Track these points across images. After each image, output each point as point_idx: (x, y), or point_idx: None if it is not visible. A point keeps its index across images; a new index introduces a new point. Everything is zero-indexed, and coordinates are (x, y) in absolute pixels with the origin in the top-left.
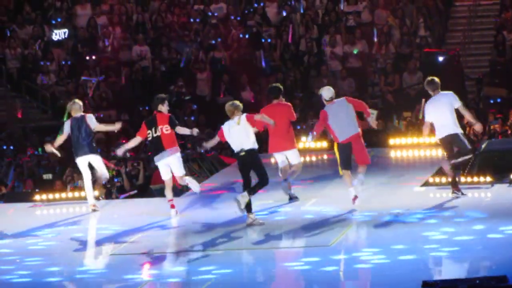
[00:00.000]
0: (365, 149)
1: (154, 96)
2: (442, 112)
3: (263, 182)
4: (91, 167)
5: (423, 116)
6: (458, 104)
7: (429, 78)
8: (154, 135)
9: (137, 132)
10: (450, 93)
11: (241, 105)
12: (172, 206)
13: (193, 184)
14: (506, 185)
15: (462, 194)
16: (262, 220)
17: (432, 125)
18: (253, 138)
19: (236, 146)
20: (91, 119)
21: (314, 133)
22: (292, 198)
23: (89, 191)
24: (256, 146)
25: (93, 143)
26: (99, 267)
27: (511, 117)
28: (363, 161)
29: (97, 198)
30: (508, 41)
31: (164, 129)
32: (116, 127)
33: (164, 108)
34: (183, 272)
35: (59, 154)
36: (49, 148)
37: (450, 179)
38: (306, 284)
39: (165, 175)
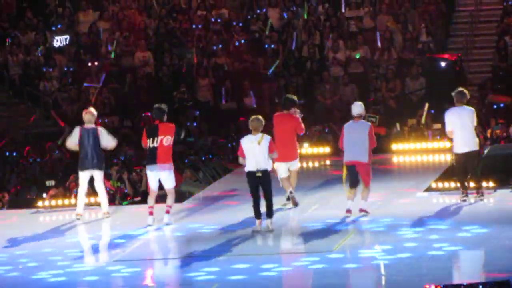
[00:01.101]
0: (369, 174)
1: (156, 104)
2: (465, 126)
3: (270, 200)
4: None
5: (426, 122)
6: (475, 123)
7: (460, 89)
8: (151, 145)
9: (141, 141)
10: (473, 109)
11: (263, 122)
12: (151, 213)
13: (166, 218)
14: (509, 190)
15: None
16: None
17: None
18: (267, 160)
19: (252, 164)
20: (103, 135)
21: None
22: (296, 204)
23: (81, 201)
24: (269, 167)
25: (102, 159)
26: (102, 273)
27: None
28: (365, 183)
29: (98, 205)
30: (510, 46)
31: (165, 140)
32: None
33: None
34: (185, 278)
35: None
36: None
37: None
38: (311, 286)
39: (153, 185)
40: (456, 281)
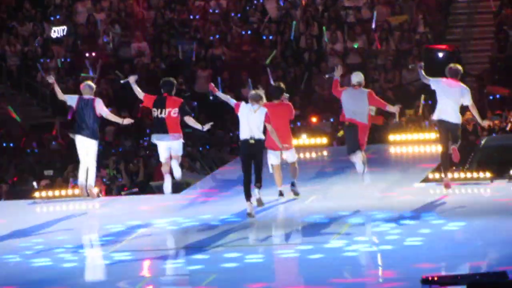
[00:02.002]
0: (365, 137)
1: (155, 92)
2: (449, 97)
3: (260, 169)
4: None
5: (423, 112)
6: (469, 102)
7: (452, 64)
8: (160, 115)
9: (145, 94)
10: (466, 88)
11: (264, 98)
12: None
13: (177, 171)
14: (505, 180)
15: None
16: (256, 217)
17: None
18: (262, 130)
19: (246, 131)
20: (99, 104)
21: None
22: (297, 195)
23: (82, 171)
24: (263, 137)
25: (97, 130)
26: (100, 265)
27: (510, 115)
28: (361, 146)
29: (97, 195)
30: (510, 37)
31: (172, 112)
32: (124, 121)
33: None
34: (183, 269)
35: (57, 89)
36: (51, 78)
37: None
38: (305, 277)
39: (163, 156)
40: (453, 272)
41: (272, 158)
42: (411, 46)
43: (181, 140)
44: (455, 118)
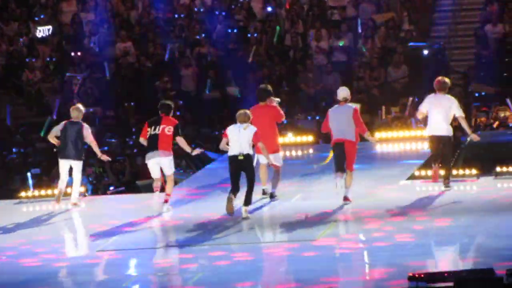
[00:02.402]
0: (354, 156)
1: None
2: (438, 112)
3: (251, 186)
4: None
5: (409, 113)
6: (459, 113)
7: (440, 77)
8: (153, 132)
9: (140, 135)
10: (454, 99)
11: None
12: (166, 201)
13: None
14: (491, 177)
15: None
16: (248, 215)
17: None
18: (251, 145)
19: (235, 148)
20: (87, 131)
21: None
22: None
23: (74, 189)
24: (251, 152)
25: (81, 149)
26: (86, 263)
27: (495, 112)
28: (349, 167)
29: (83, 194)
30: (492, 34)
31: (167, 129)
32: (101, 157)
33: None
34: (170, 267)
35: (56, 142)
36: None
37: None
38: (294, 275)
39: (155, 174)
40: (440, 269)
41: (261, 158)
42: (396, 44)
43: (171, 158)
44: (446, 131)
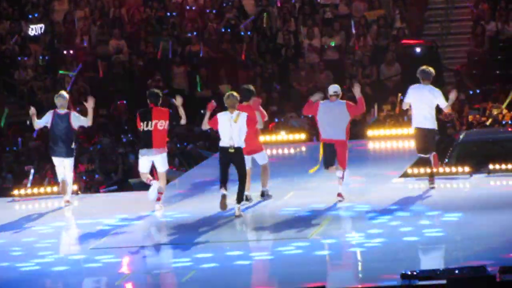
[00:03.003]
0: (346, 154)
1: (133, 89)
2: (422, 103)
3: (243, 182)
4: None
5: (400, 109)
6: (444, 103)
7: (424, 67)
8: (146, 128)
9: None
10: (438, 90)
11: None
12: (159, 199)
13: (153, 190)
14: (484, 175)
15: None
16: (242, 213)
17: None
18: (243, 137)
19: (226, 140)
20: (75, 117)
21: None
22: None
23: (69, 186)
24: (243, 144)
25: (72, 146)
26: (78, 262)
27: (488, 109)
28: (342, 165)
29: (75, 192)
30: (486, 32)
31: (159, 124)
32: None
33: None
34: (163, 264)
35: (34, 119)
36: (32, 111)
37: (431, 170)
38: (286, 274)
39: (144, 168)
40: (432, 267)
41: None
42: (388, 42)
43: (165, 155)
44: (430, 123)
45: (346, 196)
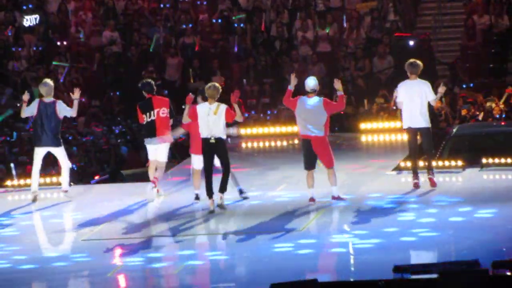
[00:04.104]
0: (327, 151)
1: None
2: (413, 100)
3: (227, 172)
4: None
5: (395, 105)
6: (432, 97)
7: (412, 60)
8: (149, 119)
9: (139, 120)
10: (426, 83)
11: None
12: (153, 182)
13: (150, 191)
14: (477, 169)
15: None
16: (228, 205)
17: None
18: (223, 128)
19: (206, 132)
20: (61, 106)
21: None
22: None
23: (35, 179)
24: (224, 135)
25: (58, 135)
26: (71, 253)
27: (480, 101)
28: (327, 164)
29: (58, 184)
30: (478, 25)
31: (161, 112)
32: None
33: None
34: (155, 256)
35: (23, 107)
36: (25, 97)
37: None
38: (277, 268)
39: (152, 156)
40: (425, 260)
41: (196, 163)
42: (381, 35)
43: (168, 145)
44: (423, 121)
45: (345, 196)
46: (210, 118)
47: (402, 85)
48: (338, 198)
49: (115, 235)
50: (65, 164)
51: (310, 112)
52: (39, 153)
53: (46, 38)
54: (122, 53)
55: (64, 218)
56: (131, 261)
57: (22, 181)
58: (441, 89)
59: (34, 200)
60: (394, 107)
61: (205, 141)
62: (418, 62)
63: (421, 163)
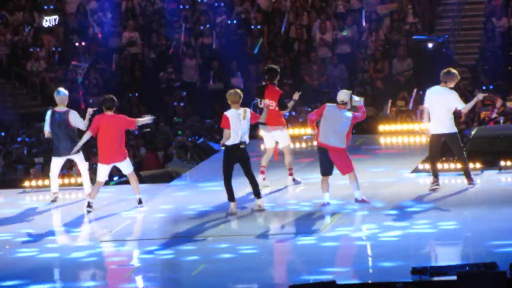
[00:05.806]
0: (344, 160)
1: (145, 81)
2: (438, 107)
3: (254, 176)
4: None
5: (413, 106)
6: (461, 105)
7: (447, 69)
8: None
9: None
10: (452, 92)
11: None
12: (262, 173)
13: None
14: (495, 171)
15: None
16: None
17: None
18: (249, 132)
19: (237, 137)
20: (73, 116)
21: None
22: None
23: (54, 180)
24: (248, 140)
25: (76, 142)
26: (89, 254)
27: (497, 103)
28: (345, 171)
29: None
30: (497, 27)
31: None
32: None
33: None
34: (172, 258)
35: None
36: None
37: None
38: (296, 269)
39: (269, 144)
40: (443, 262)
41: (101, 174)
42: (400, 36)
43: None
44: (449, 127)
45: (368, 200)
46: (242, 122)
47: (429, 91)
48: (362, 201)
49: (133, 236)
50: (86, 168)
51: (335, 122)
52: (57, 162)
53: (65, 38)
54: (142, 54)
55: (81, 219)
56: (148, 262)
57: (40, 182)
58: (480, 96)
59: (54, 200)
60: (424, 117)
61: (235, 146)
62: (452, 70)
63: (439, 165)
